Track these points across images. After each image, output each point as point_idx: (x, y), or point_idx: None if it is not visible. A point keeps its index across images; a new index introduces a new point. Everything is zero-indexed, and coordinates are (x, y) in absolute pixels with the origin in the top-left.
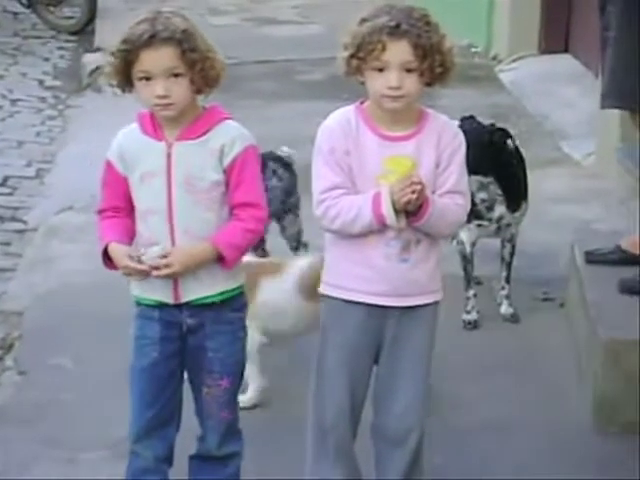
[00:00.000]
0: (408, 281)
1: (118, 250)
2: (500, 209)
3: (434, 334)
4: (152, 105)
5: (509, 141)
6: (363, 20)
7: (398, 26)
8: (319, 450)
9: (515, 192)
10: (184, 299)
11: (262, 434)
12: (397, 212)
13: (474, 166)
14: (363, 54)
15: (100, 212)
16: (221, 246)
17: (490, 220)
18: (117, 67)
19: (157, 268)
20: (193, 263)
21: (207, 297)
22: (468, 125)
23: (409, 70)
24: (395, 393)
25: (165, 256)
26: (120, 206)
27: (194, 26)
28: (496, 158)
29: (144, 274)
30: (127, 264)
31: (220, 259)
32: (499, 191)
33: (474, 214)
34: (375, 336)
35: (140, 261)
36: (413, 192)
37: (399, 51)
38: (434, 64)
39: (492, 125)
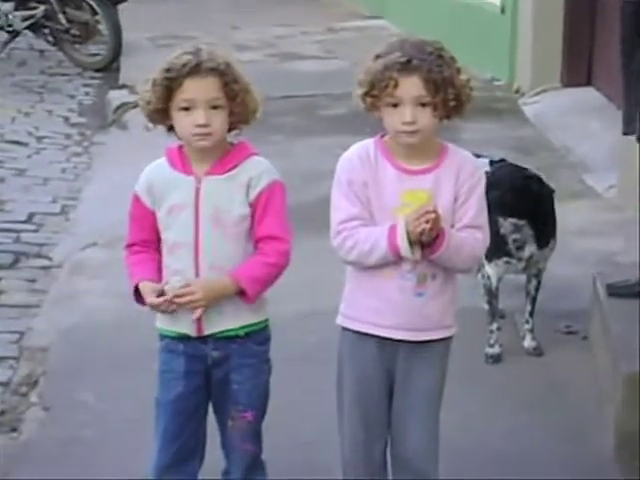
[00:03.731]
0: (421, 315)
1: (146, 287)
2: (531, 248)
3: (445, 370)
4: (190, 135)
5: (544, 189)
6: (377, 57)
7: (409, 62)
8: None
9: (546, 231)
10: (206, 332)
11: None
12: (412, 243)
13: (510, 210)
14: (377, 91)
15: (128, 247)
16: (242, 280)
17: (520, 259)
18: (157, 96)
19: (179, 297)
20: (214, 294)
21: (230, 330)
22: (502, 170)
23: (423, 104)
24: (407, 430)
25: (187, 285)
26: (147, 240)
27: (235, 60)
28: (532, 203)
29: (169, 306)
30: (152, 301)
31: (242, 293)
32: (531, 232)
33: (504, 252)
34: (388, 370)
35: (163, 293)
36: (427, 222)
37: (411, 86)
38: (447, 97)
39: (525, 170)
